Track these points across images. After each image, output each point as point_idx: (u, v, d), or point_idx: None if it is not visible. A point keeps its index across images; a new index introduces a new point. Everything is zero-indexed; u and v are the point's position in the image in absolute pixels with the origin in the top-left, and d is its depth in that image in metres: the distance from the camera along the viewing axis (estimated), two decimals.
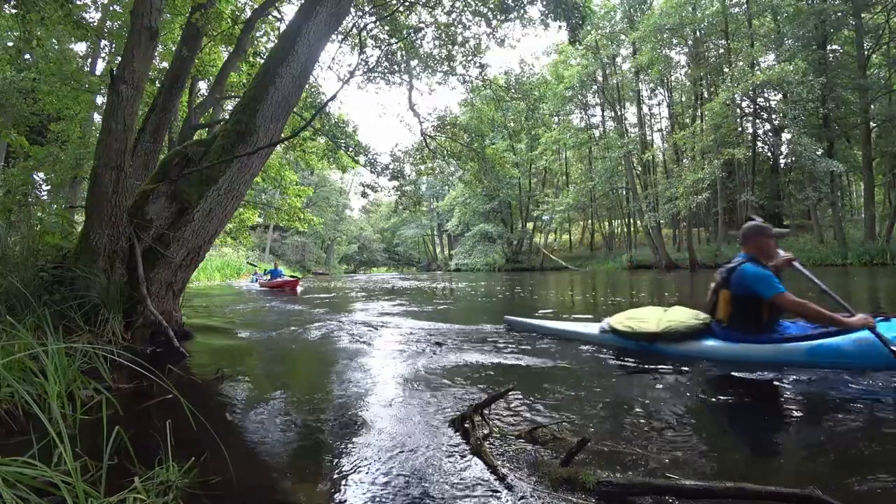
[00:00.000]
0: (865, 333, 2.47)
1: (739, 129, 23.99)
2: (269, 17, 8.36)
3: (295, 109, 6.47)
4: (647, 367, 2.84)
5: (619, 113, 29.15)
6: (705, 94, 25.51)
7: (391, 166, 11.81)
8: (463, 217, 41.08)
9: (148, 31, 3.48)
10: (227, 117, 4.90)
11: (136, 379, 2.45)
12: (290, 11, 11.82)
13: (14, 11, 6.77)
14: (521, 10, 8.77)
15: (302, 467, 1.55)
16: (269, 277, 15.05)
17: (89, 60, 14.09)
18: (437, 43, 10.50)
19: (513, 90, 13.69)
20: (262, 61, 5.58)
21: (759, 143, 27.74)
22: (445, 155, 12.50)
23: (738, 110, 23.31)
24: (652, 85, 30.80)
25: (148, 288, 3.59)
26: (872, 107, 20.97)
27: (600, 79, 28.52)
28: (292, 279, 13.99)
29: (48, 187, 13.38)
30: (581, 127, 32.86)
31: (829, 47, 22.83)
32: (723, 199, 23.35)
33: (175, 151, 4.23)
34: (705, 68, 24.22)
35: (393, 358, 3.31)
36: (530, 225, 37.95)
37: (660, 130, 36.20)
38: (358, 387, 2.55)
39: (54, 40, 10.00)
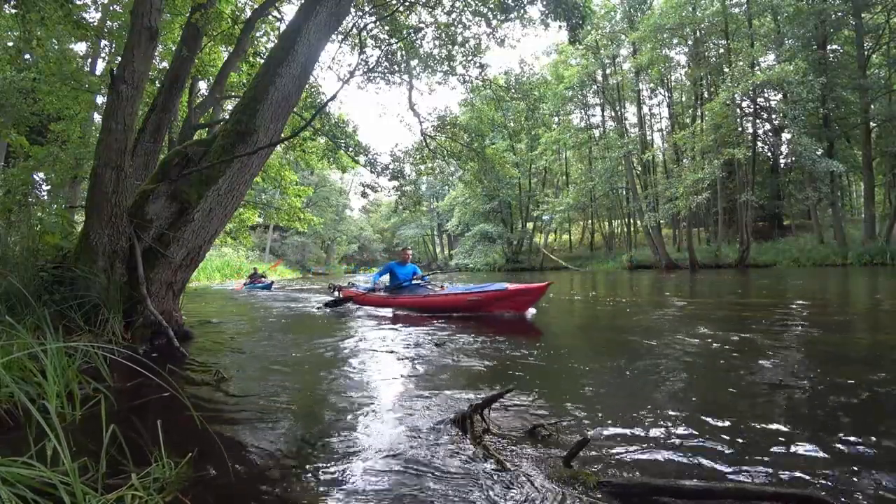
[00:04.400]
0: None
1: (739, 129, 23.92)
2: (269, 17, 8.37)
3: (295, 109, 6.48)
4: (647, 367, 2.84)
5: (619, 113, 29.12)
6: (705, 94, 25.48)
7: (391, 166, 11.83)
8: (463, 217, 41.03)
9: (148, 31, 3.48)
10: (227, 117, 4.90)
11: (136, 378, 2.45)
12: (290, 11, 11.86)
13: (14, 11, 6.78)
14: (521, 10, 8.79)
15: (300, 465, 1.54)
16: (380, 285, 7.04)
17: (89, 60, 14.09)
18: (437, 43, 10.52)
19: (513, 90, 13.71)
20: (262, 61, 5.59)
21: (759, 143, 27.71)
22: (445, 155, 12.52)
23: (738, 110, 23.27)
24: (652, 85, 30.78)
25: (148, 288, 3.60)
26: (872, 107, 20.95)
27: (600, 79, 28.50)
28: (537, 285, 5.47)
29: (48, 187, 13.40)
30: (581, 127, 32.83)
31: (829, 47, 22.80)
32: (723, 199, 23.33)
33: (175, 151, 4.23)
34: (705, 68, 24.20)
35: (392, 358, 3.31)
36: (530, 225, 37.92)
37: (660, 130, 36.21)
38: (357, 387, 2.55)
39: (54, 40, 9.99)
